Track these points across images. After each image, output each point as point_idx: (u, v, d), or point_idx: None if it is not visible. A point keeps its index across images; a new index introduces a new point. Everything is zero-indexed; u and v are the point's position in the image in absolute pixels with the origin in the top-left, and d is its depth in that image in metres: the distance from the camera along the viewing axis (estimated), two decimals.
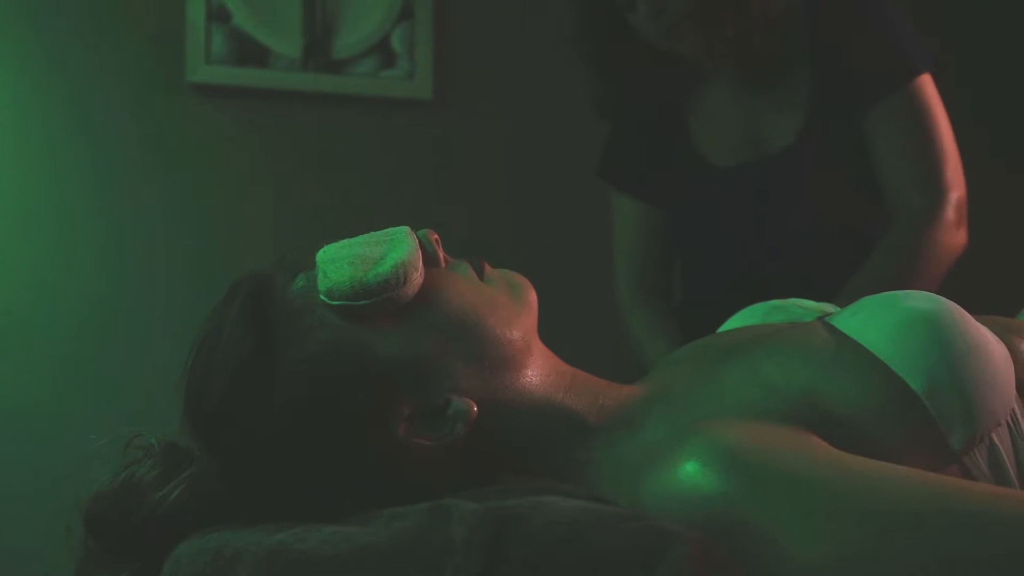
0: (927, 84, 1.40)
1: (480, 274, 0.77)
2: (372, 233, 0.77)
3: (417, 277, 0.73)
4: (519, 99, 2.08)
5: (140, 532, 0.69)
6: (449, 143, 2.07)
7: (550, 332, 0.81)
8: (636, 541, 0.54)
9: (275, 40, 1.97)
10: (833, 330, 0.77)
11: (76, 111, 1.94)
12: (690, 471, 0.64)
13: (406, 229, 0.77)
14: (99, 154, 1.95)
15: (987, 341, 0.74)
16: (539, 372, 0.76)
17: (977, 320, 0.76)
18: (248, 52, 1.97)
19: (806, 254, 1.45)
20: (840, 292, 1.34)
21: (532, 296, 0.78)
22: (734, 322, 0.97)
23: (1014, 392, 0.74)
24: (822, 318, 0.86)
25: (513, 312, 0.76)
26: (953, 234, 1.39)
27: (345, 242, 0.76)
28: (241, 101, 1.99)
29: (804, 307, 0.92)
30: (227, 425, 0.70)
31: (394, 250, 0.73)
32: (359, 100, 2.02)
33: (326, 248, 0.76)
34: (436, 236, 0.78)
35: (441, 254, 0.77)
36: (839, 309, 0.88)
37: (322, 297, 0.72)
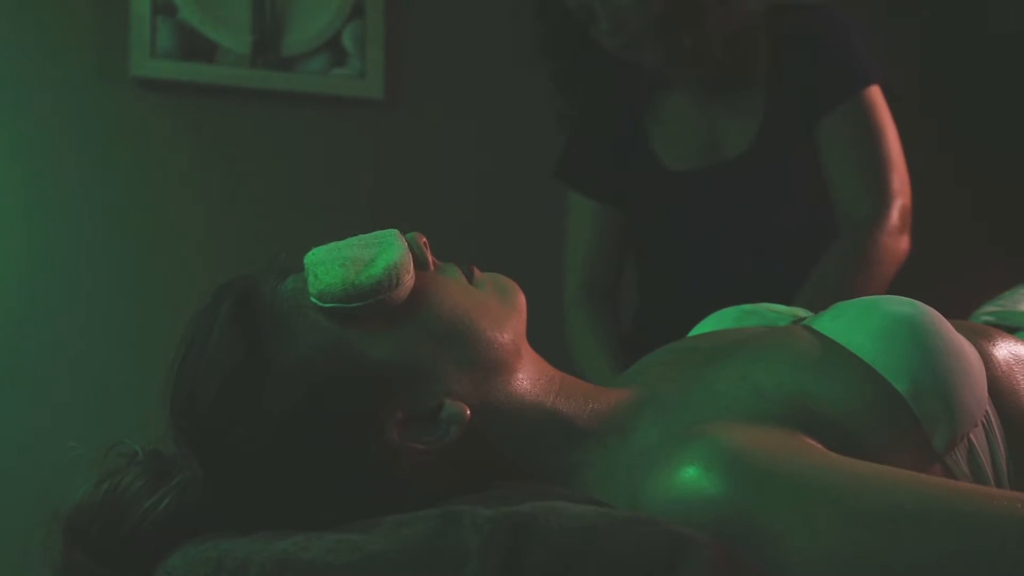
0: (876, 95, 1.45)
1: (469, 278, 0.77)
2: (360, 236, 0.76)
3: (408, 279, 0.72)
4: (471, 100, 2.07)
5: (129, 542, 0.67)
6: (400, 143, 2.05)
7: None
8: (653, 546, 0.54)
9: (223, 35, 1.93)
10: (817, 334, 0.79)
11: (9, 103, 1.87)
12: (692, 475, 0.65)
13: (395, 232, 0.76)
14: (34, 149, 1.88)
15: (963, 344, 0.76)
16: (529, 376, 0.76)
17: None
18: (195, 47, 1.92)
19: (758, 259, 1.48)
20: (791, 298, 1.37)
21: (521, 300, 0.78)
22: (707, 325, 0.98)
23: (987, 394, 0.76)
24: (797, 322, 0.88)
25: (503, 315, 0.76)
26: (897, 240, 1.43)
27: (333, 244, 0.75)
28: (187, 97, 1.94)
29: (776, 311, 0.94)
30: (219, 431, 0.69)
31: (384, 252, 0.72)
32: (309, 98, 1.99)
33: (314, 251, 0.75)
34: (424, 239, 0.77)
35: (430, 257, 0.77)
36: (811, 313, 0.90)
37: (313, 299, 0.71)
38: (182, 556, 0.63)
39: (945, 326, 0.77)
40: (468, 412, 0.71)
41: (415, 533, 0.59)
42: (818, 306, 1.06)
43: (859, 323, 0.77)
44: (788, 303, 1.11)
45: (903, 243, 1.45)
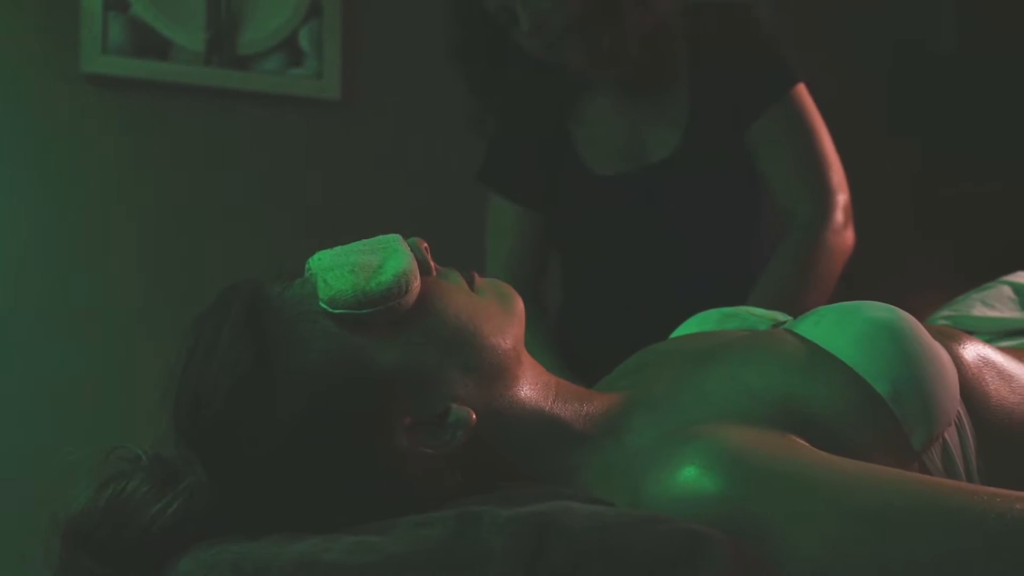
0: (803, 93, 1.47)
1: (470, 283, 0.78)
2: (364, 240, 0.77)
3: (416, 286, 0.73)
4: (428, 101, 2.08)
5: (136, 546, 0.66)
6: (357, 144, 2.04)
7: None
8: (672, 543, 0.56)
9: (177, 32, 1.90)
10: (802, 338, 0.82)
11: None
12: (692, 474, 0.67)
13: (398, 237, 0.77)
14: None
15: (937, 348, 0.80)
16: (529, 381, 0.78)
17: None
18: (148, 43, 1.89)
19: (687, 263, 1.49)
20: (724, 301, 1.40)
21: (520, 306, 0.80)
22: (688, 327, 1.00)
23: (959, 395, 0.80)
24: (776, 326, 0.91)
25: (505, 321, 0.77)
26: (843, 237, 1.47)
27: (339, 249, 0.76)
28: (139, 95, 1.91)
29: (756, 315, 0.97)
30: (228, 437, 0.69)
31: (391, 258, 0.73)
32: (264, 98, 1.97)
33: (320, 255, 0.75)
34: (425, 244, 0.78)
35: (431, 263, 0.78)
36: (790, 317, 0.93)
37: (323, 305, 0.71)
38: (193, 561, 0.63)
39: (921, 331, 0.80)
40: (474, 416, 0.72)
41: (434, 534, 0.60)
42: (772, 306, 1.09)
43: (840, 328, 0.80)
44: (721, 306, 1.13)
45: (848, 239, 1.48)
